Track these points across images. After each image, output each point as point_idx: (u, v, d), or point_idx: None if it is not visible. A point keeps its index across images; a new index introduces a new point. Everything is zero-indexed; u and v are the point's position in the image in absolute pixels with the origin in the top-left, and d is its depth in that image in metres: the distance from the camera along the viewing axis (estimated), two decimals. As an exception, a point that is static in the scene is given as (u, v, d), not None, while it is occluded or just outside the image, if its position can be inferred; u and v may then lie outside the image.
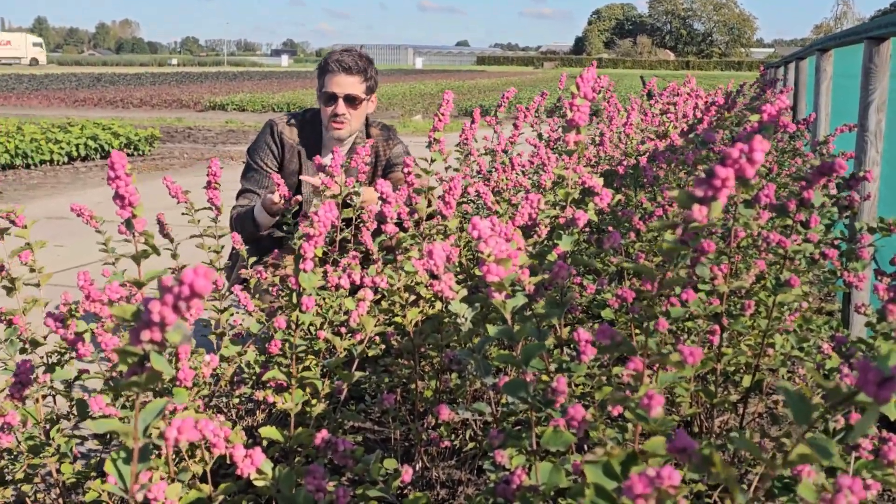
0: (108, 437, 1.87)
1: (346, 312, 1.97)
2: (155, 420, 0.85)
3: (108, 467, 0.85)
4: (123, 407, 1.65)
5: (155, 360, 0.76)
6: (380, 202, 2.11)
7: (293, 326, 1.69)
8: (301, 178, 3.22)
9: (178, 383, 1.49)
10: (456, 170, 3.02)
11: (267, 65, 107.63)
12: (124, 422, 1.52)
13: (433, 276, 1.44)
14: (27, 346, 1.77)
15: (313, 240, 1.45)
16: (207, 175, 2.22)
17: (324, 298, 2.04)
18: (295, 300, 1.58)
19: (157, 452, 1.51)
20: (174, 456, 1.57)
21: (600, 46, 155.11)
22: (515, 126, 3.74)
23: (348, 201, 2.57)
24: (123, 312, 0.75)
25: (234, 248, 2.46)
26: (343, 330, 2.03)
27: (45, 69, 72.12)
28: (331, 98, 3.31)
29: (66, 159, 11.11)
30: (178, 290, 0.69)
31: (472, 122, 2.88)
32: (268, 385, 1.95)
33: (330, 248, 2.60)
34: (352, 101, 3.30)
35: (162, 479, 1.39)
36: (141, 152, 12.23)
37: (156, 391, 1.46)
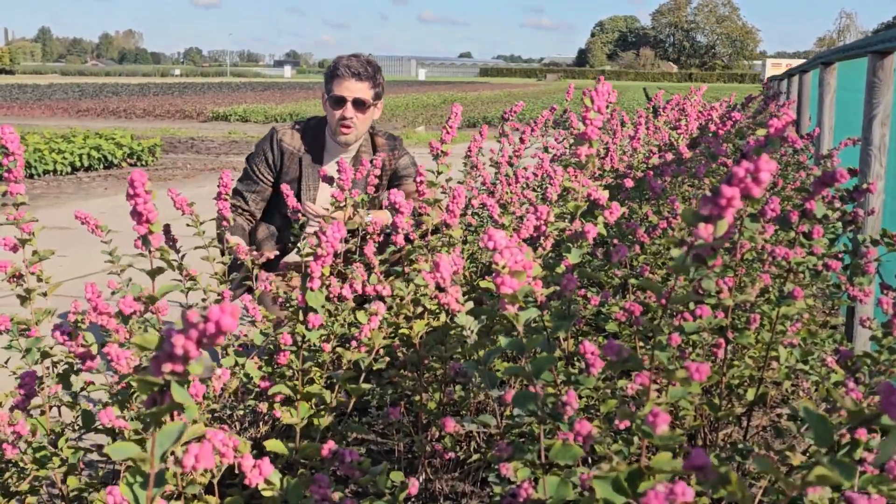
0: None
1: (354, 325, 1.97)
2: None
3: (123, 490, 0.84)
4: (133, 419, 1.65)
5: (176, 391, 0.75)
6: (392, 212, 2.11)
7: (299, 342, 1.68)
8: (306, 206, 3.21)
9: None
10: (460, 182, 3.03)
11: (270, 76, 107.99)
12: (128, 435, 1.53)
13: (440, 289, 1.44)
14: (39, 356, 1.77)
15: (321, 259, 1.45)
16: (219, 186, 2.22)
17: (329, 312, 2.04)
18: (301, 317, 1.58)
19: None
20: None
21: (603, 58, 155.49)
22: (522, 140, 3.75)
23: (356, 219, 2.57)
24: (146, 342, 0.74)
25: (237, 258, 2.47)
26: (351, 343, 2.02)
27: (49, 79, 72.29)
28: (339, 101, 3.31)
29: (69, 169, 11.11)
30: (204, 328, 0.67)
31: (481, 135, 2.90)
32: (272, 399, 1.94)
33: (335, 259, 2.60)
34: (360, 105, 3.31)
35: (169, 491, 1.40)
36: (144, 163, 12.25)
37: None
